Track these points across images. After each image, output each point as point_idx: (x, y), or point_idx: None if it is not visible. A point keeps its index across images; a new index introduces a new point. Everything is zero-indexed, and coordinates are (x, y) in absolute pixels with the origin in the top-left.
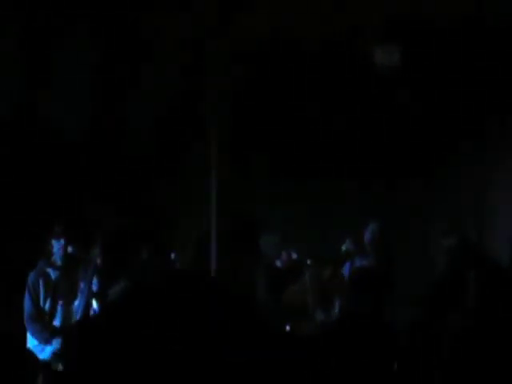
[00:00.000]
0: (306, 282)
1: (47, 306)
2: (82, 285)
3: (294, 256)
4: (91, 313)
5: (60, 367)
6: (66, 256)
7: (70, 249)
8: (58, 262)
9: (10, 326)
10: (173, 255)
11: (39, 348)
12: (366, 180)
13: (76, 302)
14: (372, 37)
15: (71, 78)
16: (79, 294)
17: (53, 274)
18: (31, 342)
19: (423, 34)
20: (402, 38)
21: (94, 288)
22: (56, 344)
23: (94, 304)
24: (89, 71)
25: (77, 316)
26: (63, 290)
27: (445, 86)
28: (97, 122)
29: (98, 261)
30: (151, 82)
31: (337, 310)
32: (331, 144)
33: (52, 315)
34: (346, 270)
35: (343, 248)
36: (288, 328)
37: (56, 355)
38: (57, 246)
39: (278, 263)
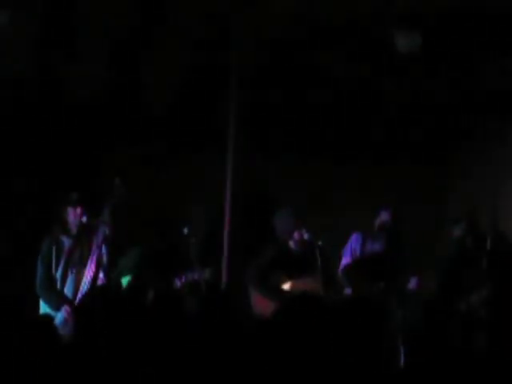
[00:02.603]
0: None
1: (59, 273)
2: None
3: (306, 236)
4: (98, 282)
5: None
6: (80, 224)
7: (84, 218)
8: (73, 231)
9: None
10: (186, 230)
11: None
12: (377, 166)
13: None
14: (393, 22)
15: (90, 41)
16: (89, 263)
17: (66, 241)
18: (44, 308)
19: (444, 19)
20: (423, 23)
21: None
22: (64, 312)
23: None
24: (108, 34)
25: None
26: (76, 259)
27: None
28: (113, 87)
29: (107, 230)
30: (171, 55)
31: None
32: (344, 128)
33: (63, 283)
34: (346, 251)
35: None
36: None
37: (65, 322)
38: (72, 214)
39: (291, 243)
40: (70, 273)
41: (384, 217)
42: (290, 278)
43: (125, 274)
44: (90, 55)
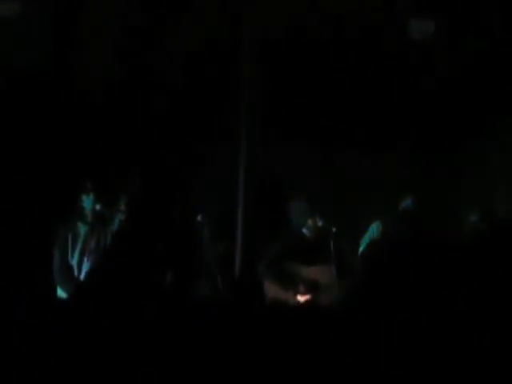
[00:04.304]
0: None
1: (75, 260)
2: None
3: (320, 223)
4: None
5: None
6: (95, 212)
7: (98, 206)
8: (88, 218)
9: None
10: (199, 217)
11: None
12: (392, 155)
13: None
14: (406, 9)
15: (101, 31)
16: None
17: (82, 229)
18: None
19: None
20: (436, 10)
21: None
22: None
23: None
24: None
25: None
26: (91, 246)
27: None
28: (125, 79)
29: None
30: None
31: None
32: (360, 118)
33: (79, 270)
34: (365, 240)
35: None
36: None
37: None
38: (87, 201)
39: (305, 230)
40: (85, 260)
41: (408, 205)
42: (303, 265)
43: None
44: (101, 51)
